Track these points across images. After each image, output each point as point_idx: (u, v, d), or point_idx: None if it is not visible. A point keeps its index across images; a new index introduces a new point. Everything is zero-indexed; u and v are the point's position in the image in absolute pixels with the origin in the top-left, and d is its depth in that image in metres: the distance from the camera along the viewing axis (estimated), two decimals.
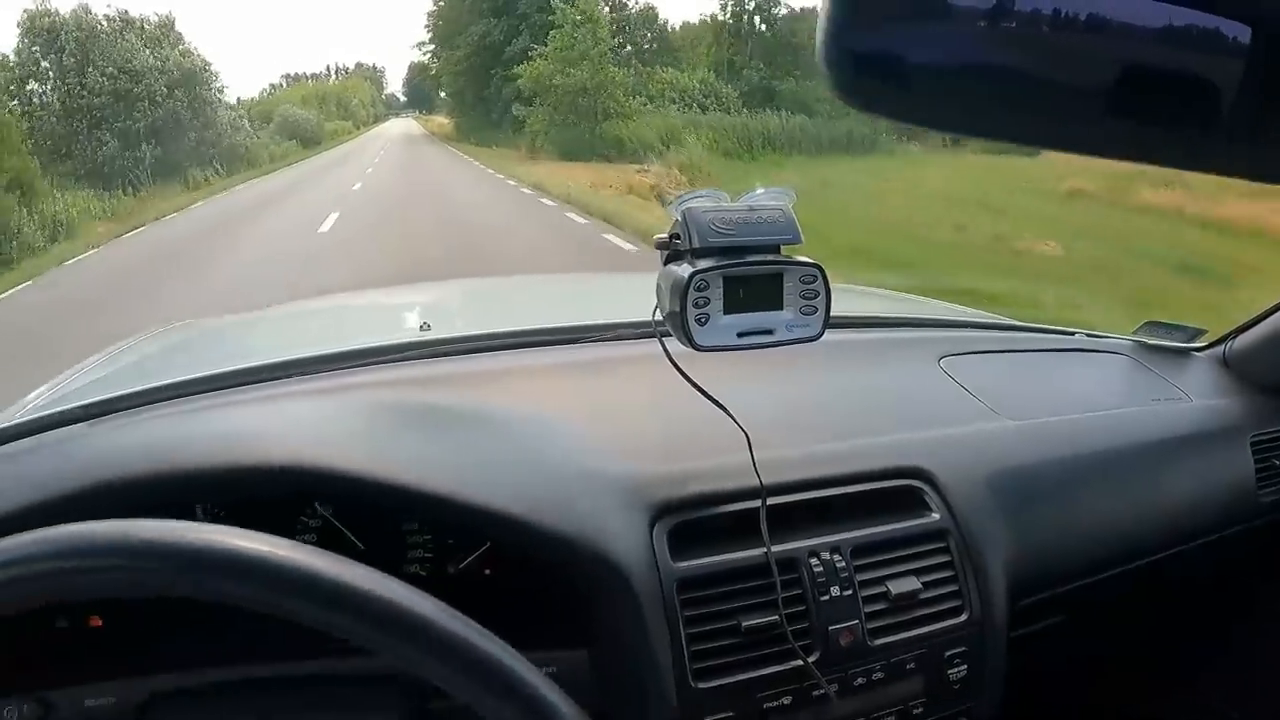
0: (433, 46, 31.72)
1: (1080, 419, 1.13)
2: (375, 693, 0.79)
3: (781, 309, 0.76)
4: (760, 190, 0.77)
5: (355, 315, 1.78)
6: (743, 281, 0.74)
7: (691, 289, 0.72)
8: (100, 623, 0.86)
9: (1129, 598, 1.11)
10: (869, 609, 0.85)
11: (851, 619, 0.84)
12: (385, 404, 0.94)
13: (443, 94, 34.99)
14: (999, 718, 0.95)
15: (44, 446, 0.91)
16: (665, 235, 0.77)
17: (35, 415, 0.98)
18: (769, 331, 0.77)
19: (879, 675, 0.86)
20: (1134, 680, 1.25)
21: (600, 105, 21.30)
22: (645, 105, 22.47)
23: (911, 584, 0.88)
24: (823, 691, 0.82)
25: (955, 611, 0.90)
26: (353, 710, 0.79)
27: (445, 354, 1.11)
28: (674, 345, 0.79)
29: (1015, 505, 0.98)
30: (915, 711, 0.88)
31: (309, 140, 32.77)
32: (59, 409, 0.99)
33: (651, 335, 0.85)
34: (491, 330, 1.17)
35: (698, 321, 0.73)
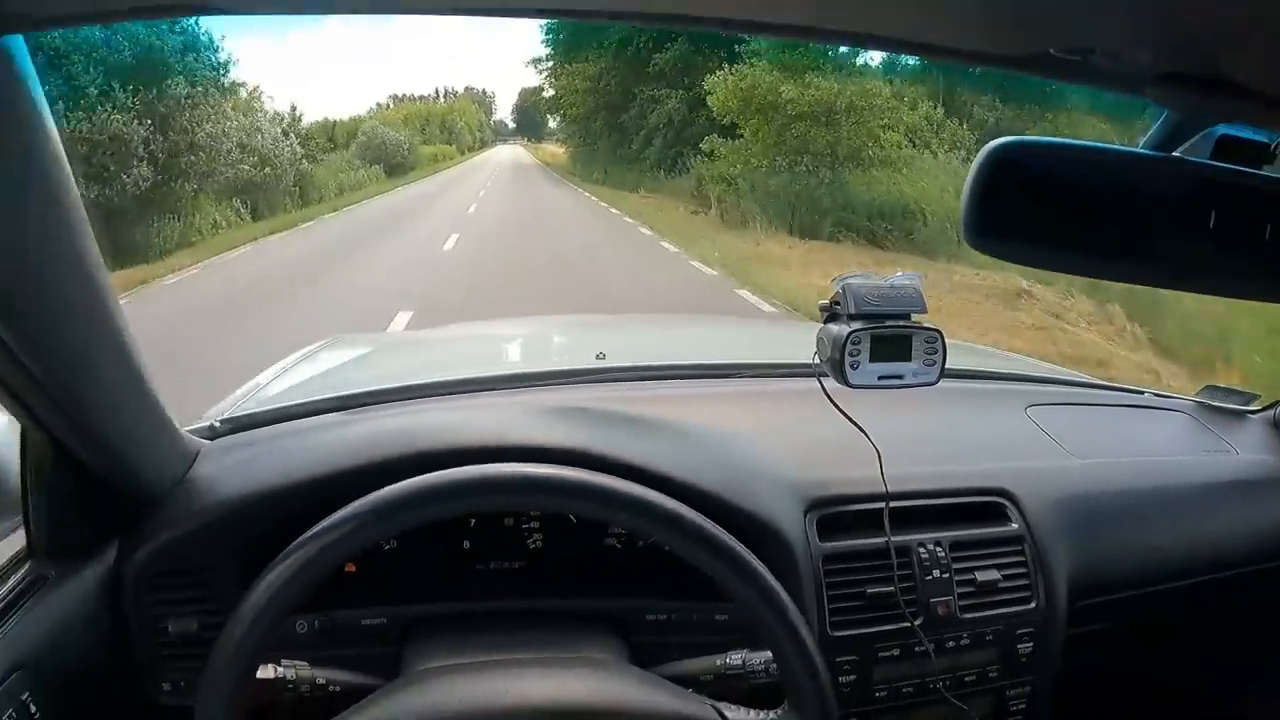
0: (550, 64, 23.49)
1: (1139, 461, 1.36)
2: (592, 627, 1.04)
3: (910, 360, 1.02)
4: (899, 274, 1.04)
5: (530, 342, 2.08)
6: (883, 339, 1.01)
7: (848, 342, 0.99)
8: (355, 568, 1.11)
9: (1173, 614, 1.30)
10: (960, 590, 1.12)
11: (947, 595, 1.11)
12: (590, 411, 1.19)
13: (555, 119, 28.68)
14: (1055, 699, 1.19)
15: (316, 429, 1.19)
16: (827, 301, 1.04)
17: (287, 405, 1.28)
18: (900, 376, 1.03)
19: (965, 642, 1.12)
20: (1171, 691, 1.41)
21: (845, 140, 12.34)
22: (904, 147, 12.78)
23: (993, 575, 1.14)
24: (923, 649, 1.10)
25: (1025, 600, 1.15)
26: (574, 639, 1.02)
27: (622, 380, 1.40)
28: (827, 384, 1.06)
29: (1079, 525, 1.22)
30: (991, 675, 1.15)
31: (397, 167, 25.22)
32: (309, 400, 1.30)
33: (803, 375, 1.13)
34: (664, 362, 1.46)
35: (851, 366, 1.00)
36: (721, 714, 0.80)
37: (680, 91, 16.95)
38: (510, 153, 47.22)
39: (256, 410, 1.27)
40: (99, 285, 0.79)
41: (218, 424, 1.21)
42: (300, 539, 0.77)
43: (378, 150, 24.58)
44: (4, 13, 0.57)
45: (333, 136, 23.33)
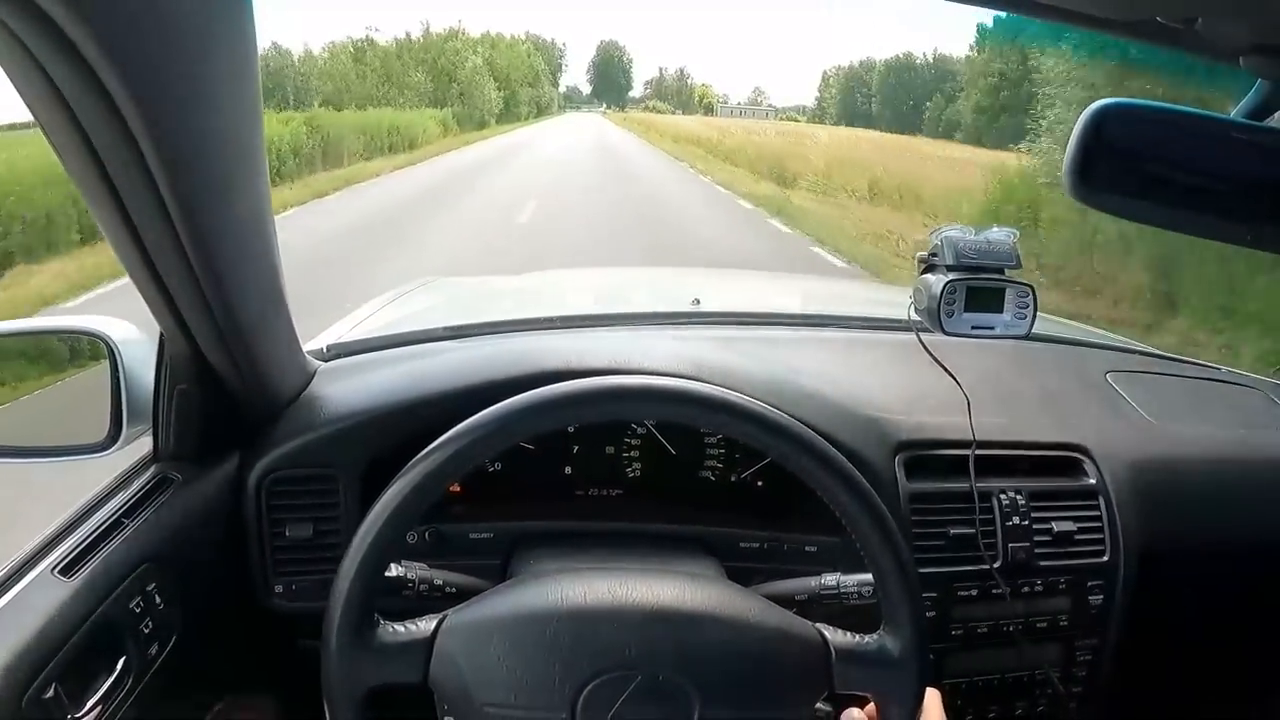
0: None
1: (1212, 432, 1.40)
2: (690, 547, 1.12)
3: (1002, 312, 1.10)
4: (995, 228, 1.11)
5: (626, 285, 2.19)
6: (978, 290, 1.08)
7: (945, 292, 1.07)
8: (460, 489, 1.17)
9: (1238, 583, 1.33)
10: (1037, 538, 1.18)
11: (1025, 542, 1.17)
12: (696, 345, 1.27)
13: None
14: (1119, 656, 1.24)
15: (429, 353, 1.27)
16: (925, 253, 1.11)
17: (403, 331, 1.37)
18: (992, 327, 1.10)
19: (1039, 588, 1.18)
20: (1232, 661, 1.42)
21: None
22: None
23: (1069, 526, 1.20)
24: (1000, 591, 1.16)
25: (1098, 554, 1.21)
26: (674, 556, 1.09)
27: (718, 324, 1.49)
28: (922, 335, 1.14)
29: (1152, 486, 1.26)
30: (1061, 623, 1.20)
31: None
32: (421, 328, 1.38)
33: (895, 329, 1.20)
34: (758, 310, 1.54)
35: (946, 314, 1.07)
36: (822, 634, 0.80)
37: None
38: (590, 125, 36.77)
39: (365, 337, 1.36)
40: (264, 202, 0.84)
41: (326, 349, 1.28)
42: (441, 439, 0.78)
43: None
44: None
45: None
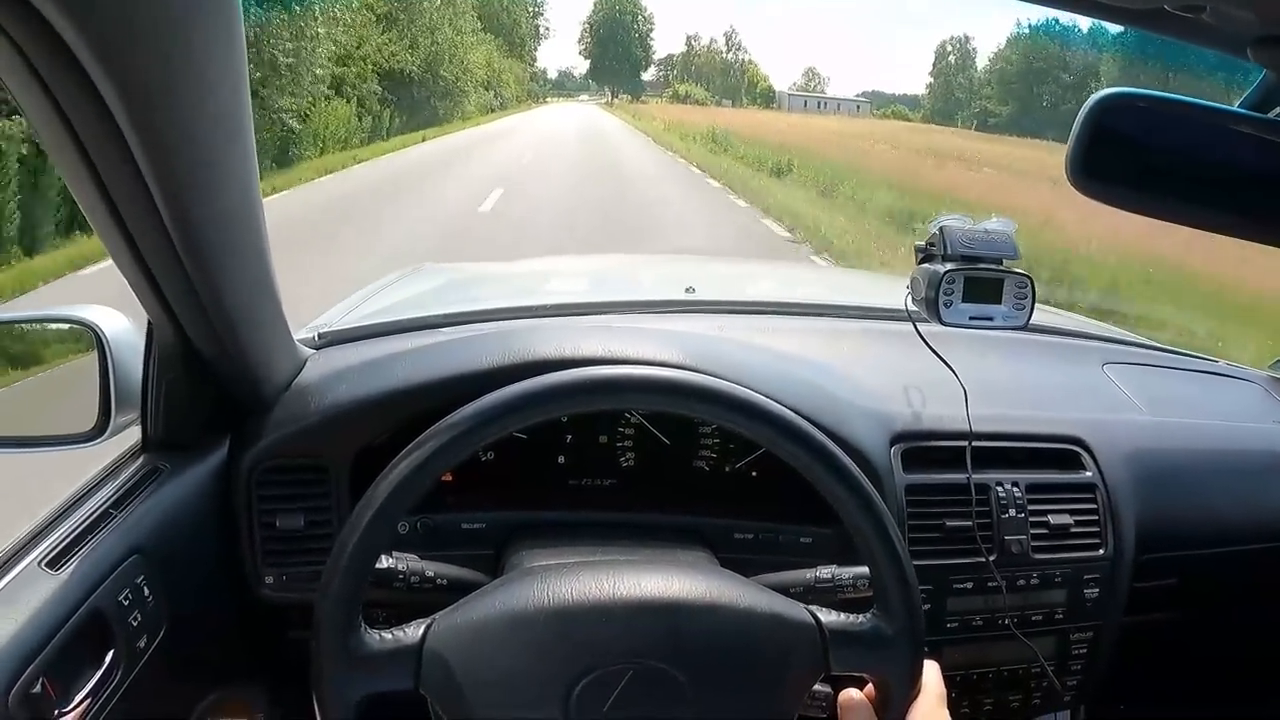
0: None
1: (1208, 424, 1.40)
2: (684, 538, 1.10)
3: (1000, 304, 1.09)
4: (994, 218, 1.10)
5: (619, 273, 2.17)
6: (976, 281, 1.08)
7: (943, 282, 1.06)
8: (451, 478, 1.14)
9: (1234, 576, 1.33)
10: (1033, 531, 1.17)
11: (1021, 535, 1.16)
12: (689, 334, 1.25)
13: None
14: (1116, 647, 1.25)
15: (420, 341, 1.23)
16: (923, 243, 1.11)
17: (386, 320, 1.35)
18: (990, 319, 1.09)
19: (1035, 581, 1.18)
20: (1229, 652, 1.43)
21: None
22: None
23: (1065, 519, 1.19)
24: (995, 584, 1.16)
25: (1094, 547, 1.21)
26: (667, 547, 1.07)
27: (712, 313, 1.48)
28: (920, 325, 1.13)
29: (1149, 478, 1.26)
30: (1057, 616, 1.20)
31: None
32: (413, 315, 1.37)
33: (891, 318, 1.20)
34: (752, 298, 1.53)
35: (944, 305, 1.07)
36: (815, 616, 0.80)
37: None
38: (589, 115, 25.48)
39: (357, 324, 1.34)
40: (252, 187, 0.82)
41: (317, 336, 1.27)
42: (434, 428, 0.77)
43: None
44: None
45: None
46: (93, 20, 0.55)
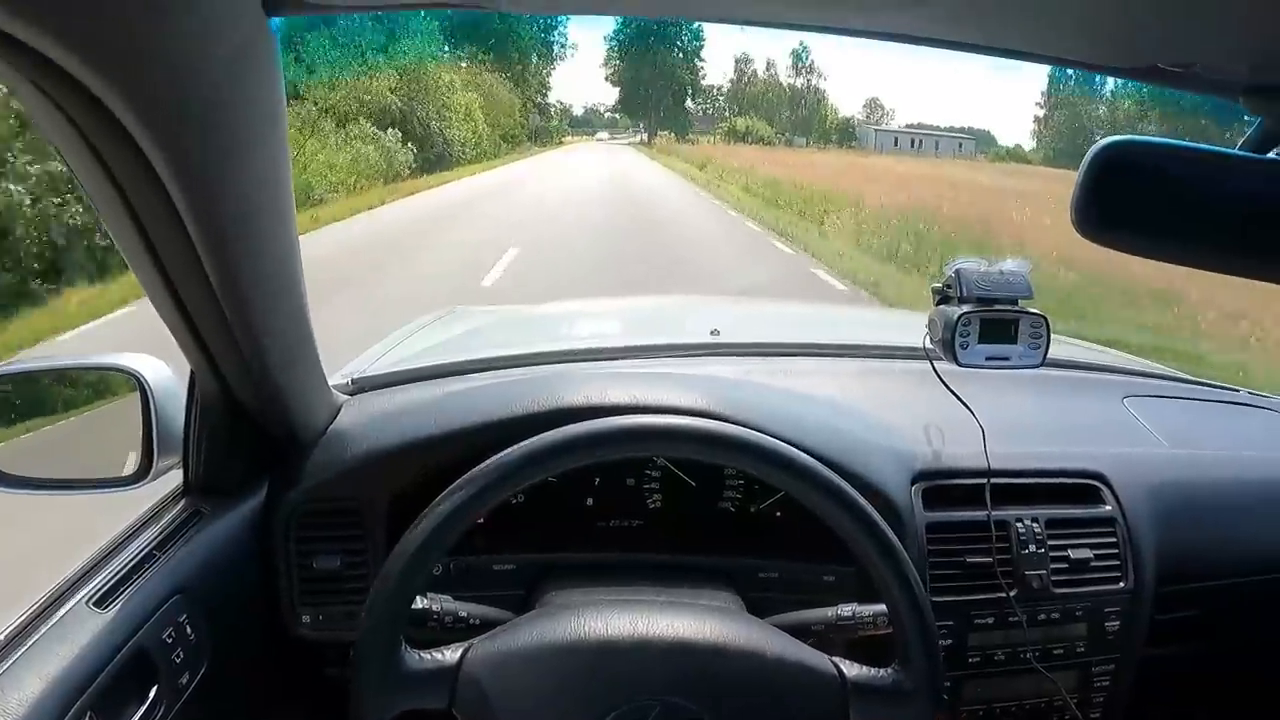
0: None
1: (1229, 454, 1.39)
2: (709, 579, 1.12)
3: (1016, 343, 1.11)
4: (1009, 260, 1.12)
5: (645, 316, 2.21)
6: (992, 322, 1.09)
7: (959, 324, 1.08)
8: (483, 521, 1.12)
9: (1257, 608, 1.33)
10: (1054, 566, 1.18)
11: (1041, 570, 1.17)
12: (715, 379, 1.29)
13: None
14: (1138, 680, 1.24)
15: (453, 386, 1.28)
16: (940, 284, 1.13)
17: (419, 366, 1.38)
18: (1006, 358, 1.11)
19: (1056, 616, 1.18)
20: (1252, 684, 1.42)
21: None
22: None
23: (1086, 553, 1.20)
24: (1016, 619, 1.16)
25: (1115, 580, 1.21)
26: (694, 589, 1.09)
27: (737, 355, 1.50)
28: (937, 364, 1.15)
29: (1170, 512, 1.26)
30: (1078, 649, 1.20)
31: None
32: (439, 362, 1.40)
33: (911, 357, 1.22)
34: (777, 340, 1.56)
35: (961, 346, 1.09)
36: (839, 668, 0.82)
37: None
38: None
39: (390, 370, 1.38)
40: (291, 241, 0.86)
41: (351, 382, 1.30)
42: (469, 474, 0.81)
43: None
44: None
45: None
46: (141, 90, 0.59)
